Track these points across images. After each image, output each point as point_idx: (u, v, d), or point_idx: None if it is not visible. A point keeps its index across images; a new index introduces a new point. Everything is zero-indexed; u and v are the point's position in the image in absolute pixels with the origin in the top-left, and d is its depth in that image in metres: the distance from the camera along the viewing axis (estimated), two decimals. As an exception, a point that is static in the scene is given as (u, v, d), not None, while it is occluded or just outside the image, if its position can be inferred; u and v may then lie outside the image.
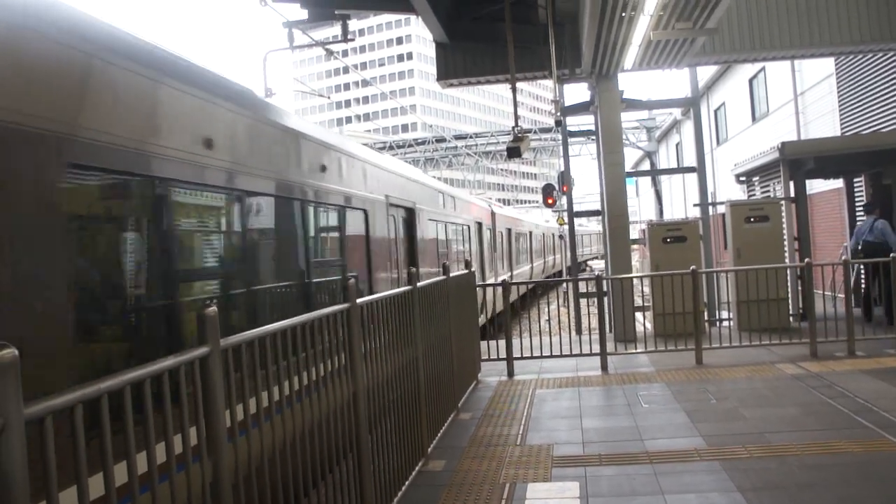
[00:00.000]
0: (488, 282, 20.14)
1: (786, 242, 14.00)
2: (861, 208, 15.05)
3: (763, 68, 26.22)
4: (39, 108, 3.65)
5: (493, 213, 24.15)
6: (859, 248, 12.95)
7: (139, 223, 4.71)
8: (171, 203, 4.93)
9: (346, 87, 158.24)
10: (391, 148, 53.08)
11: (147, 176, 4.60)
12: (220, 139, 5.53)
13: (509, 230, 27.82)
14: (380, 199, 10.19)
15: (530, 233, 34.69)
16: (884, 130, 17.31)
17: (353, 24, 14.18)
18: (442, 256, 15.20)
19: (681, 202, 41.17)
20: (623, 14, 10.29)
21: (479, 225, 21.28)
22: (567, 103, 16.01)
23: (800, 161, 14.27)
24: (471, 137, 55.52)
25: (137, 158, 4.43)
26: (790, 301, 13.52)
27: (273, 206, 6.59)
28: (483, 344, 11.78)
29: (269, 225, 6.61)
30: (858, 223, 14.48)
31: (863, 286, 13.48)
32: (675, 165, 40.76)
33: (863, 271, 13.62)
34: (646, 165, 43.52)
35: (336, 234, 8.69)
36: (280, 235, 6.91)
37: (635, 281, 15.21)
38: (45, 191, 3.66)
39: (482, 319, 15.35)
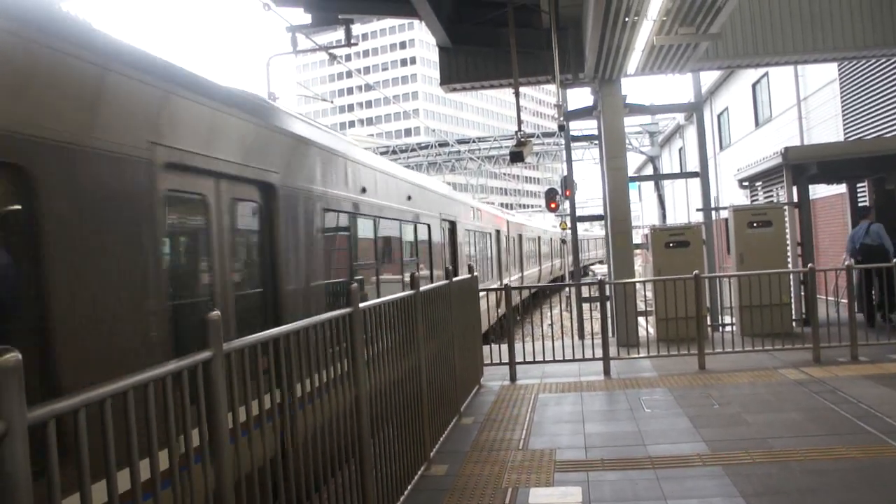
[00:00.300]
0: (493, 285, 21.21)
1: (789, 247, 13.99)
2: (858, 213, 15.15)
3: (766, 73, 26.23)
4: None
5: (507, 223, 26.96)
6: (857, 247, 13.06)
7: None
8: (378, 224, 9.52)
9: (350, 91, 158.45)
10: (394, 152, 53.13)
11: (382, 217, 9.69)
12: (381, 189, 9.63)
13: (520, 235, 30.45)
14: (436, 216, 13.57)
15: (539, 238, 37.23)
16: (887, 135, 17.32)
17: (357, 29, 14.23)
18: (472, 258, 18.79)
19: (683, 207, 41.18)
20: (626, 19, 10.30)
21: (498, 232, 24.04)
22: (570, 108, 16.02)
23: (803, 166, 14.25)
24: (474, 142, 55.59)
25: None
26: (793, 306, 13.50)
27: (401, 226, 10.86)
28: (486, 348, 11.77)
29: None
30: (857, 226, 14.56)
31: (873, 293, 13.46)
32: (678, 170, 40.79)
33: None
34: (649, 170, 43.56)
35: (421, 242, 12.44)
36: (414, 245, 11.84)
37: (638, 285, 15.23)
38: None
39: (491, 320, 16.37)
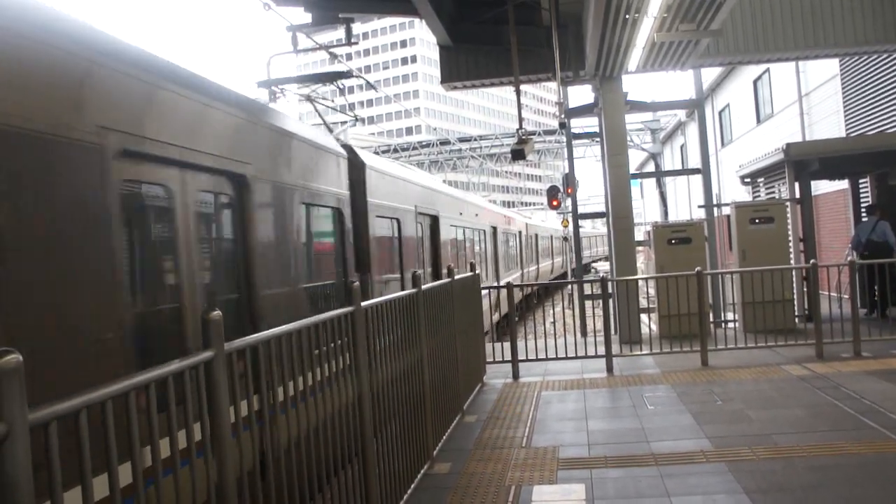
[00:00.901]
0: (502, 280, 22.48)
1: (791, 243, 13.97)
2: (865, 210, 15.21)
3: (767, 70, 26.19)
4: None
5: (526, 224, 32.24)
6: (863, 241, 13.16)
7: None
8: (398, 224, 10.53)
9: (350, 90, 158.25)
10: (395, 151, 53.12)
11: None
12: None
13: (536, 235, 35.60)
14: (410, 210, 13.43)
15: (551, 236, 42.18)
16: (889, 131, 17.29)
17: (357, 28, 14.24)
18: (503, 253, 23.86)
19: (685, 204, 41.11)
20: (627, 16, 10.29)
21: (520, 233, 29.21)
22: (571, 105, 16.00)
23: (805, 162, 14.23)
24: (475, 140, 55.57)
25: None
26: (796, 302, 13.50)
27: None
28: (488, 346, 11.77)
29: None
30: (863, 221, 14.62)
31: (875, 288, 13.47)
32: (679, 167, 40.72)
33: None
34: (650, 167, 43.53)
35: (484, 244, 15.00)
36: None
37: (640, 282, 15.21)
38: None
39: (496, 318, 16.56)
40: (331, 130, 10.58)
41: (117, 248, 3.93)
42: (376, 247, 9.25)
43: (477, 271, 10.51)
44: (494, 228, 21.41)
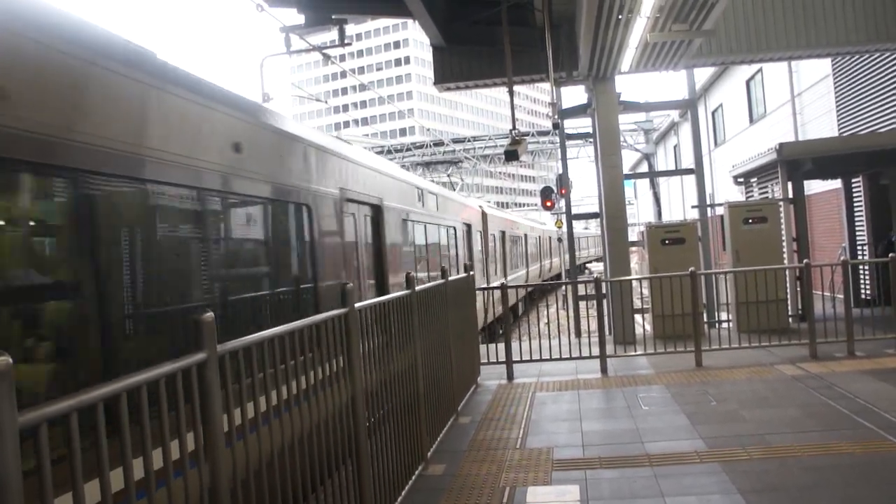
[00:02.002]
0: (493, 283, 20.98)
1: (784, 243, 14.00)
2: None
3: (760, 69, 26.26)
4: None
5: (531, 227, 35.29)
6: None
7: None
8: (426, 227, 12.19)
9: (344, 91, 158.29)
10: (389, 152, 53.08)
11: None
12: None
13: (538, 237, 37.98)
14: (457, 221, 14.94)
15: (550, 238, 43.59)
16: (881, 131, 17.33)
17: (350, 29, 14.19)
18: (519, 254, 28.34)
19: (679, 204, 41.20)
20: (619, 17, 10.30)
21: (525, 235, 31.78)
22: (564, 106, 16.01)
23: (798, 162, 14.27)
24: (469, 141, 55.51)
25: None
26: (789, 302, 13.52)
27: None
28: (482, 347, 11.76)
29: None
30: None
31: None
32: (672, 167, 40.75)
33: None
34: (644, 167, 43.54)
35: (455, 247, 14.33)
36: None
37: (634, 283, 15.22)
38: None
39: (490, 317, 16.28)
40: None
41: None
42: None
43: (471, 272, 10.50)
44: (468, 227, 18.29)
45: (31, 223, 3.88)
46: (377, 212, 9.77)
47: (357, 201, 8.77)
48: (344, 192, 8.20)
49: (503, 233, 24.81)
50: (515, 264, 28.15)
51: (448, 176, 37.33)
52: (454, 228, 16.69)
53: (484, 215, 21.28)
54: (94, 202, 4.06)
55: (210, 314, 2.93)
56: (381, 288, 9.56)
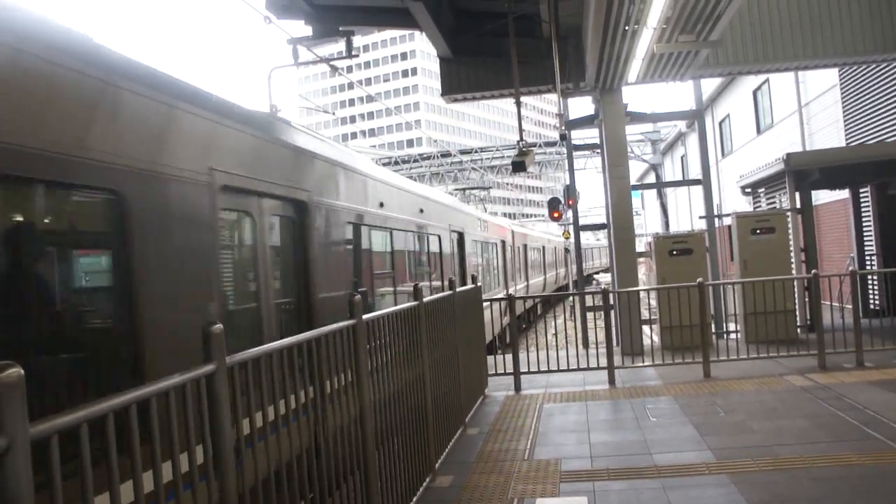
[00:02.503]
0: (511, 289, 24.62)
1: (792, 254, 13.96)
2: None
3: (767, 80, 26.25)
4: None
5: (548, 240, 39.81)
6: None
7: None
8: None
9: (351, 102, 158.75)
10: (396, 163, 53.21)
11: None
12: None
13: (555, 248, 42.16)
14: (444, 228, 14.62)
15: (566, 249, 45.05)
16: (889, 140, 17.29)
17: (358, 41, 14.23)
18: (538, 264, 34.08)
19: (686, 214, 41.13)
20: (626, 28, 10.32)
21: (544, 247, 36.99)
22: (571, 117, 16.02)
23: (805, 172, 14.24)
24: (476, 152, 55.68)
25: None
26: (797, 312, 13.47)
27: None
28: (490, 358, 11.75)
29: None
30: None
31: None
32: (680, 178, 40.73)
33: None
34: (651, 178, 43.56)
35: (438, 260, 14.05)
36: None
37: (642, 294, 15.18)
38: None
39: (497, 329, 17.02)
40: None
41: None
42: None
43: (479, 283, 10.51)
44: (461, 235, 16.77)
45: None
46: (461, 237, 16.38)
47: (455, 231, 15.43)
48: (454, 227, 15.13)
49: (525, 245, 30.35)
50: (534, 273, 33.05)
51: (481, 200, 41.36)
52: (499, 244, 22.96)
53: (513, 233, 27.00)
54: None
55: (219, 325, 2.94)
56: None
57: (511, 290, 23.10)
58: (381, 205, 9.28)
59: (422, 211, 12.08)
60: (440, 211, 13.90)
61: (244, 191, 5.52)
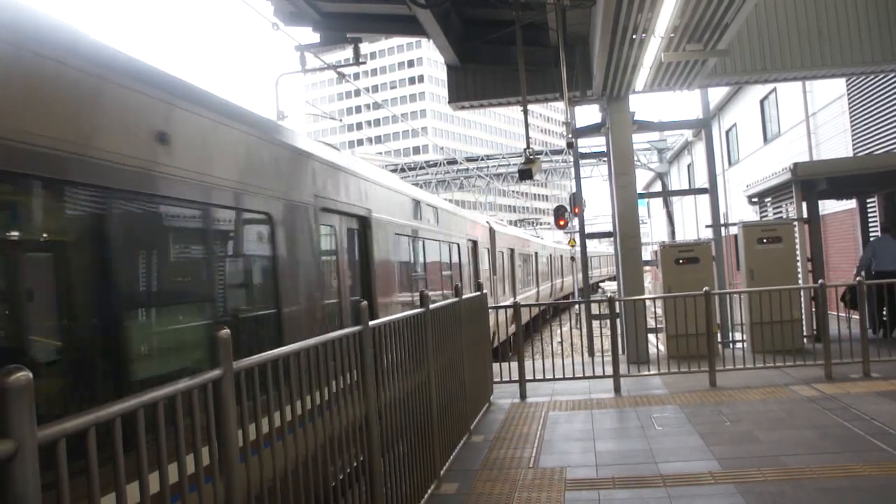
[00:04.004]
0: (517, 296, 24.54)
1: (799, 263, 13.93)
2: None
3: (774, 89, 26.23)
4: None
5: (557, 247, 41.73)
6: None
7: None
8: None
9: (358, 109, 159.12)
10: (403, 170, 53.26)
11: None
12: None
13: (562, 256, 43.79)
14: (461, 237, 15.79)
15: (572, 257, 46.86)
16: (896, 150, 17.26)
17: (365, 48, 14.26)
18: (557, 270, 38.86)
19: (692, 223, 41.09)
20: (634, 36, 10.33)
21: (561, 256, 42.03)
22: (578, 125, 16.04)
23: (812, 182, 14.21)
24: (482, 159, 55.64)
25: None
26: (804, 322, 13.43)
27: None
28: (495, 366, 11.74)
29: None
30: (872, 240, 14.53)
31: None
32: (686, 186, 40.69)
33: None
34: (657, 187, 43.53)
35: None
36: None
37: (648, 302, 15.16)
38: None
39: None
40: None
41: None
42: None
43: (484, 290, 10.51)
44: (474, 243, 17.55)
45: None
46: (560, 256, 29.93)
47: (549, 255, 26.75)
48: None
49: (536, 253, 31.96)
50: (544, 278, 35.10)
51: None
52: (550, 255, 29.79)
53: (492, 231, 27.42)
54: None
55: (226, 331, 2.95)
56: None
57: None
58: (418, 218, 11.42)
59: (447, 223, 14.01)
60: (458, 222, 15.49)
61: (330, 210, 7.31)
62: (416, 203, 11.49)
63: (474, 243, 17.36)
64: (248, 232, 5.61)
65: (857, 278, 11.25)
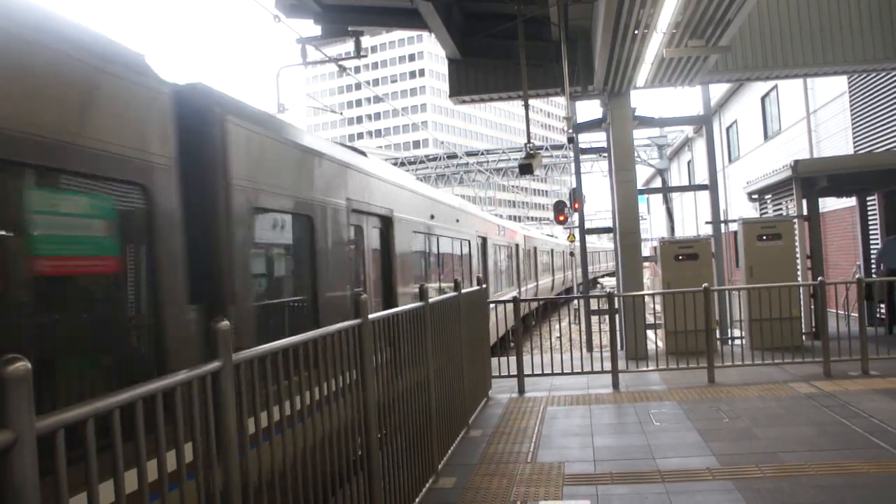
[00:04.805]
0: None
1: (798, 260, 13.93)
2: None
3: (775, 86, 26.20)
4: None
5: (556, 243, 43.18)
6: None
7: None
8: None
9: (359, 103, 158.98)
10: (403, 164, 53.23)
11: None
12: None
13: (562, 251, 45.09)
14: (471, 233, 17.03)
15: (571, 253, 48.60)
16: (897, 149, 17.24)
17: (366, 41, 14.24)
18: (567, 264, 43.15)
19: (692, 220, 41.10)
20: (636, 31, 10.30)
21: (563, 251, 42.66)
22: (579, 120, 16.01)
23: (813, 179, 14.21)
24: (482, 154, 55.63)
25: None
26: (803, 319, 13.44)
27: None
28: (494, 360, 11.74)
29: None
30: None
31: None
32: (686, 183, 40.68)
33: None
34: (657, 183, 43.48)
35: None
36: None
37: (647, 298, 15.16)
38: None
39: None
40: None
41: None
42: None
43: (484, 285, 10.51)
44: (484, 240, 19.09)
45: None
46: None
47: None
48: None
49: (535, 248, 34.05)
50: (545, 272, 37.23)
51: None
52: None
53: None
54: None
55: (225, 322, 2.94)
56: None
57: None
58: (432, 217, 12.21)
59: (458, 221, 14.99)
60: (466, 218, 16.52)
61: (359, 211, 8.03)
62: (449, 207, 13.38)
63: (484, 239, 18.91)
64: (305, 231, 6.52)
65: (858, 276, 11.25)
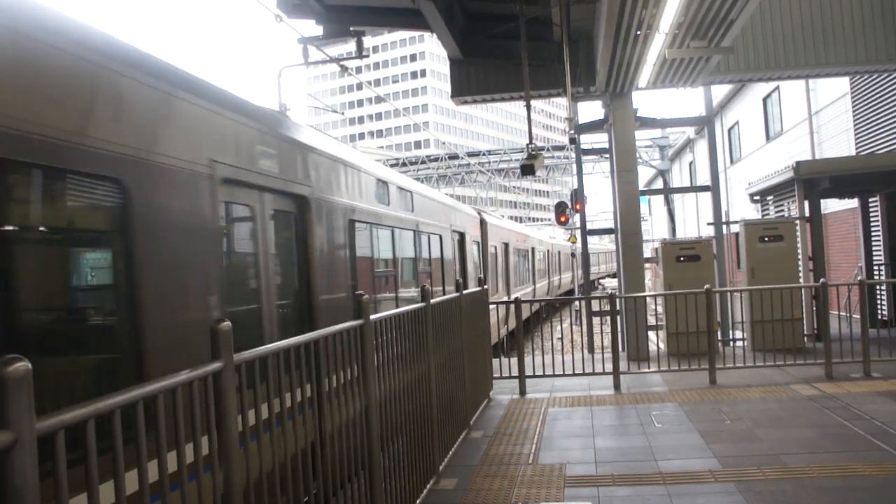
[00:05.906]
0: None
1: (800, 262, 13.90)
2: None
3: (777, 87, 26.18)
4: None
5: (557, 244, 43.52)
6: None
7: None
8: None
9: (360, 103, 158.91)
10: (404, 164, 53.24)
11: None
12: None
13: (559, 251, 45.33)
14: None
15: (572, 254, 48.48)
16: (899, 150, 17.22)
17: (368, 41, 14.23)
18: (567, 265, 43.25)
19: (693, 221, 41.07)
20: (638, 32, 10.29)
21: (560, 252, 42.16)
22: (581, 121, 15.99)
23: (814, 180, 14.19)
24: (484, 155, 55.63)
25: None
26: (805, 321, 13.41)
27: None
28: (495, 361, 11.73)
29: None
30: None
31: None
32: (688, 184, 40.66)
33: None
34: (659, 184, 43.48)
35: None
36: None
37: (648, 300, 15.14)
38: None
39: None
40: None
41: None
42: None
43: (486, 286, 10.49)
44: (462, 235, 15.99)
45: None
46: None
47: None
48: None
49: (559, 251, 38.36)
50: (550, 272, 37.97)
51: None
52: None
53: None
54: None
55: (227, 322, 2.93)
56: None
57: None
58: (430, 215, 12.35)
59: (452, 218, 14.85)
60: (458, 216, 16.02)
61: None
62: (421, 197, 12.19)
63: (462, 235, 17.90)
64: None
65: (859, 277, 11.23)
